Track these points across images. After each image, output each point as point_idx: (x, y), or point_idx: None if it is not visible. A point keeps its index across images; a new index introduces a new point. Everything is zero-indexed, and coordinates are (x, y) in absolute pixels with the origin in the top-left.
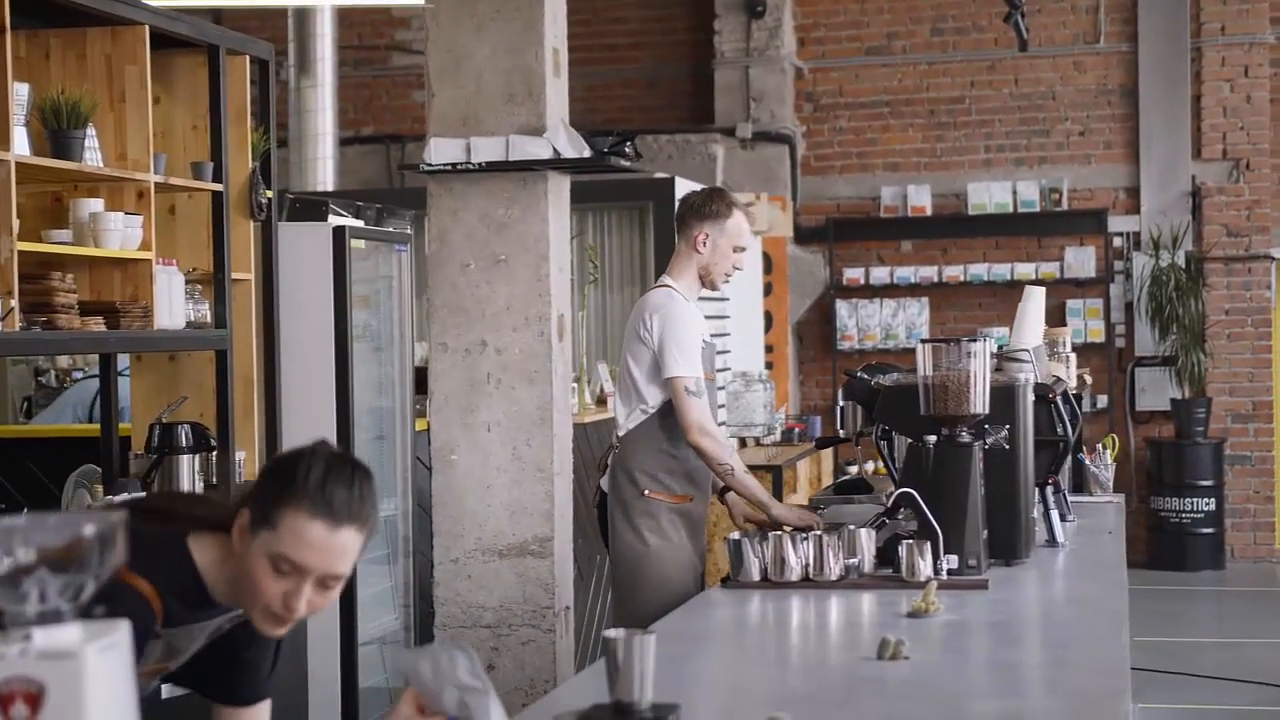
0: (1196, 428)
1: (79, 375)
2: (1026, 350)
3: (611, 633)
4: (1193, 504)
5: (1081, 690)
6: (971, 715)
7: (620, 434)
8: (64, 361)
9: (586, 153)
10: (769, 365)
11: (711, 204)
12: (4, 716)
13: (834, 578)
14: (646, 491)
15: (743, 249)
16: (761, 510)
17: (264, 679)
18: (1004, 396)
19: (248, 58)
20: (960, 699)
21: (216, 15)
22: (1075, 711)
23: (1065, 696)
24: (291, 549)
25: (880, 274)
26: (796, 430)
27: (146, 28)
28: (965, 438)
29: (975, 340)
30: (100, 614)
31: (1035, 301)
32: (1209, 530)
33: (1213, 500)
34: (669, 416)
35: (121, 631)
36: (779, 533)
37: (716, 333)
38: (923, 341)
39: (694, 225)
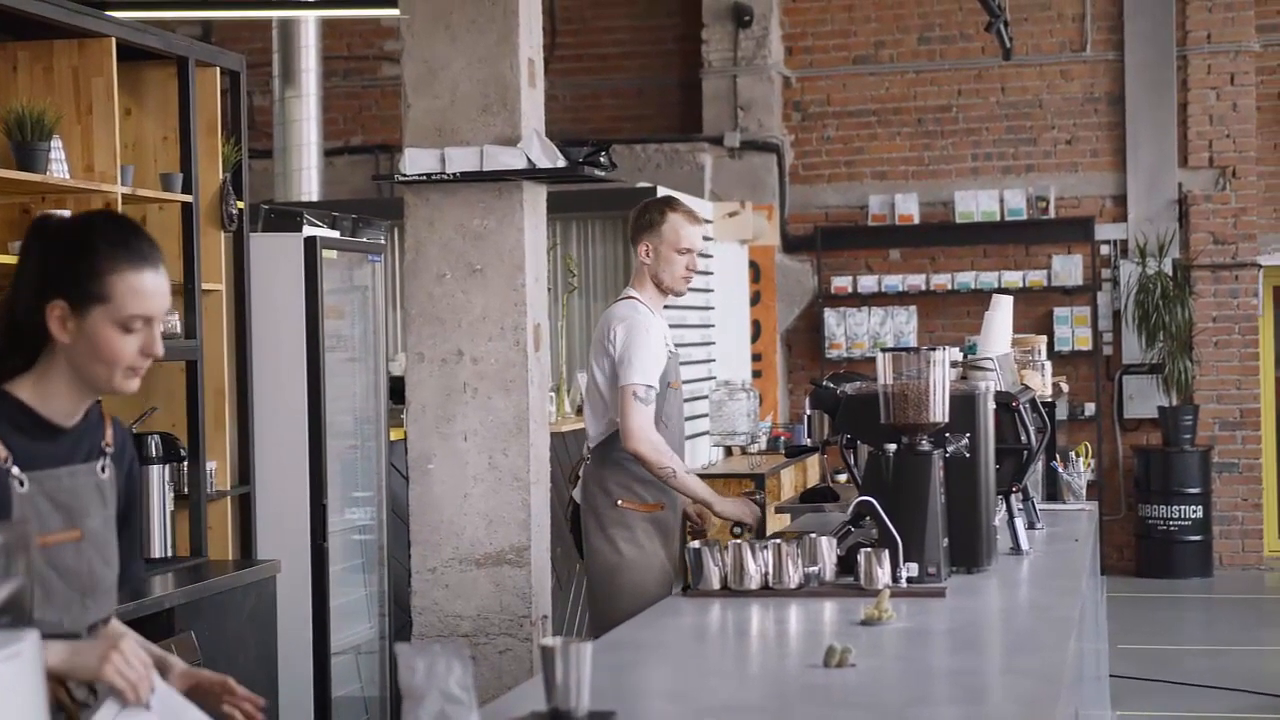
0: (1184, 435)
1: None
2: (990, 358)
3: (548, 641)
4: (1180, 511)
5: (1021, 697)
6: None
7: (591, 445)
8: None
9: (561, 163)
10: (757, 374)
11: (645, 214)
12: None
13: (793, 586)
14: (620, 502)
15: (688, 250)
16: (707, 509)
17: (132, 546)
18: (965, 405)
19: (218, 69)
20: (901, 706)
21: (205, 27)
22: (1012, 716)
23: (1004, 703)
24: (136, 306)
25: (868, 282)
26: (783, 439)
27: (113, 40)
28: (925, 446)
29: (935, 349)
30: None
31: (1002, 310)
32: (1196, 538)
33: (1200, 508)
34: None
35: (28, 642)
36: (738, 541)
37: (702, 341)
38: (883, 350)
39: (635, 239)
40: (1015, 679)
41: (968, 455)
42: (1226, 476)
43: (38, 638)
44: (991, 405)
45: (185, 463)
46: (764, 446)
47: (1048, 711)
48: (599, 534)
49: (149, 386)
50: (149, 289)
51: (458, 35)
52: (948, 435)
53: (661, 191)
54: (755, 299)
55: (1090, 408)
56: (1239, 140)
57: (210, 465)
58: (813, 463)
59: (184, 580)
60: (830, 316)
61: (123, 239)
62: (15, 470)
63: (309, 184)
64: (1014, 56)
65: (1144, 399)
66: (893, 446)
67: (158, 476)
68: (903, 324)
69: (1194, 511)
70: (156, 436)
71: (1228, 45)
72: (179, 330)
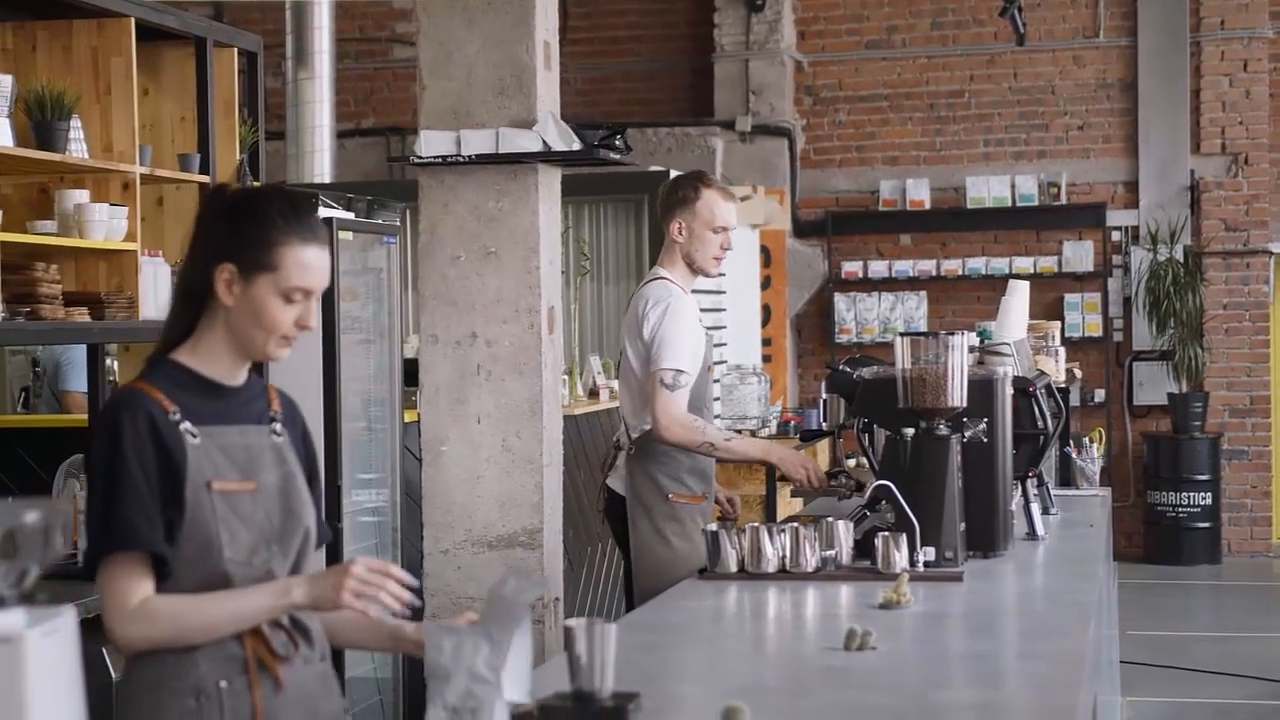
0: (1194, 422)
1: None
2: (1007, 343)
3: (572, 622)
4: (1189, 498)
5: (1042, 681)
6: (933, 705)
7: (634, 435)
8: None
9: (576, 146)
10: (767, 359)
11: (678, 190)
12: None
13: (810, 569)
14: (671, 495)
15: (723, 229)
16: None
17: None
18: (982, 390)
19: (235, 50)
20: (923, 689)
21: (217, 9)
22: (1031, 701)
23: (1025, 687)
24: (300, 279)
25: (879, 268)
26: (793, 423)
27: (132, 20)
28: (943, 430)
29: (953, 334)
30: (105, 428)
31: (1019, 295)
32: (1205, 524)
33: (1209, 494)
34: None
35: (66, 618)
36: (756, 524)
37: (713, 325)
38: (901, 334)
39: (666, 215)
40: (1036, 664)
41: (985, 440)
42: (1236, 464)
43: (73, 613)
44: (1009, 390)
45: None
46: (774, 431)
47: (1070, 697)
48: (649, 528)
49: None
50: (314, 263)
51: (474, 18)
52: (965, 420)
53: (675, 174)
54: (766, 283)
55: (1100, 394)
56: (1251, 127)
57: None
58: (822, 447)
59: None
60: (840, 301)
61: (295, 213)
62: (186, 424)
63: (321, 166)
64: (1027, 42)
65: (1154, 385)
66: (911, 431)
67: None
68: (913, 309)
69: (1203, 498)
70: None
71: (1241, 31)
72: None
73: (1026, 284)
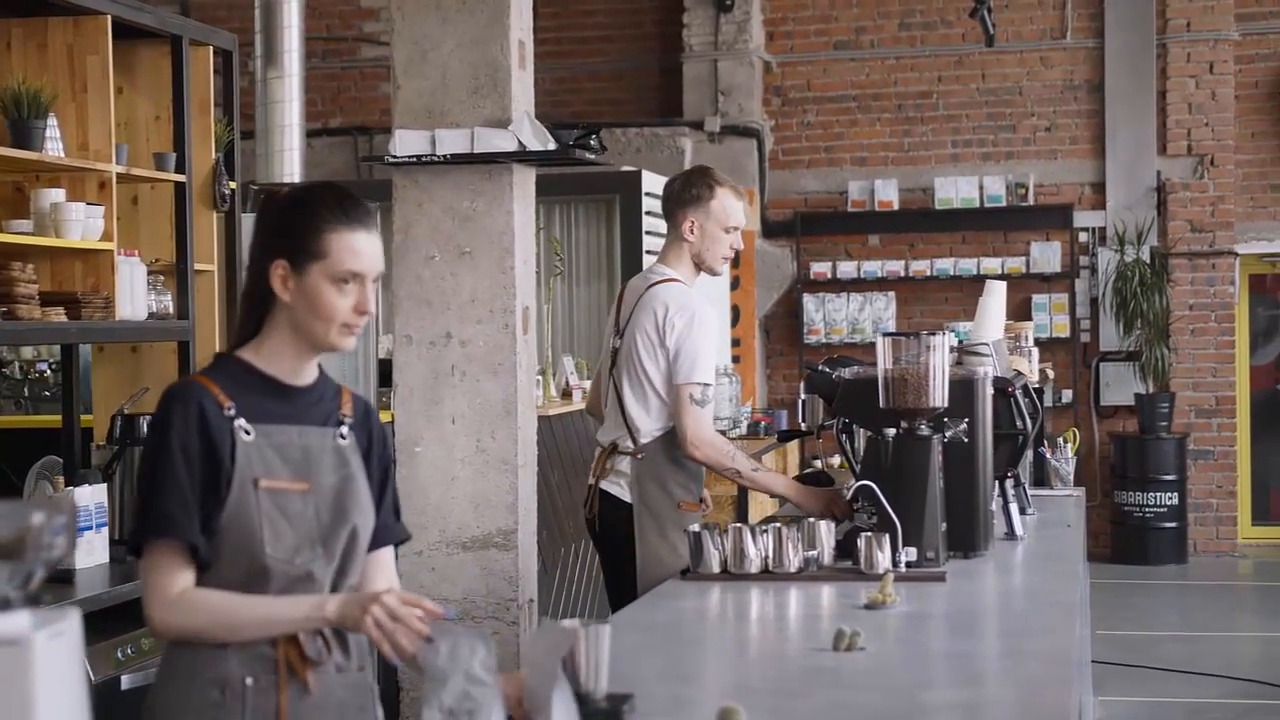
0: (1160, 422)
1: (43, 367)
2: (986, 344)
3: (568, 624)
4: (1156, 498)
5: (1031, 680)
6: (924, 705)
7: (643, 439)
8: (28, 352)
9: (551, 145)
10: (736, 359)
11: (692, 188)
12: None
13: (793, 570)
14: (681, 504)
15: (735, 228)
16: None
17: (388, 512)
18: (963, 390)
19: (211, 48)
20: (913, 689)
21: (184, 6)
22: (1025, 700)
23: (1015, 686)
24: (350, 262)
25: (847, 268)
26: (763, 424)
27: (109, 18)
28: (924, 431)
29: (935, 334)
30: (158, 417)
31: (996, 296)
32: (1172, 524)
33: (1175, 494)
34: None
35: (71, 620)
36: (739, 525)
37: None
38: (883, 335)
39: (678, 213)
40: (1025, 663)
41: (966, 440)
42: (1202, 464)
43: (79, 616)
44: (990, 390)
45: None
46: (744, 431)
47: (1062, 696)
48: (658, 537)
49: (140, 366)
50: (362, 247)
51: (448, 16)
52: (946, 420)
53: (650, 175)
54: (734, 284)
55: (1068, 394)
56: (1217, 129)
57: None
58: (792, 448)
59: None
60: (809, 302)
61: (339, 202)
62: (241, 421)
63: (291, 165)
64: (995, 43)
65: (1121, 386)
66: (892, 431)
67: None
68: (881, 310)
69: (1169, 498)
70: (149, 417)
71: (1207, 34)
72: (171, 311)
73: (1003, 285)
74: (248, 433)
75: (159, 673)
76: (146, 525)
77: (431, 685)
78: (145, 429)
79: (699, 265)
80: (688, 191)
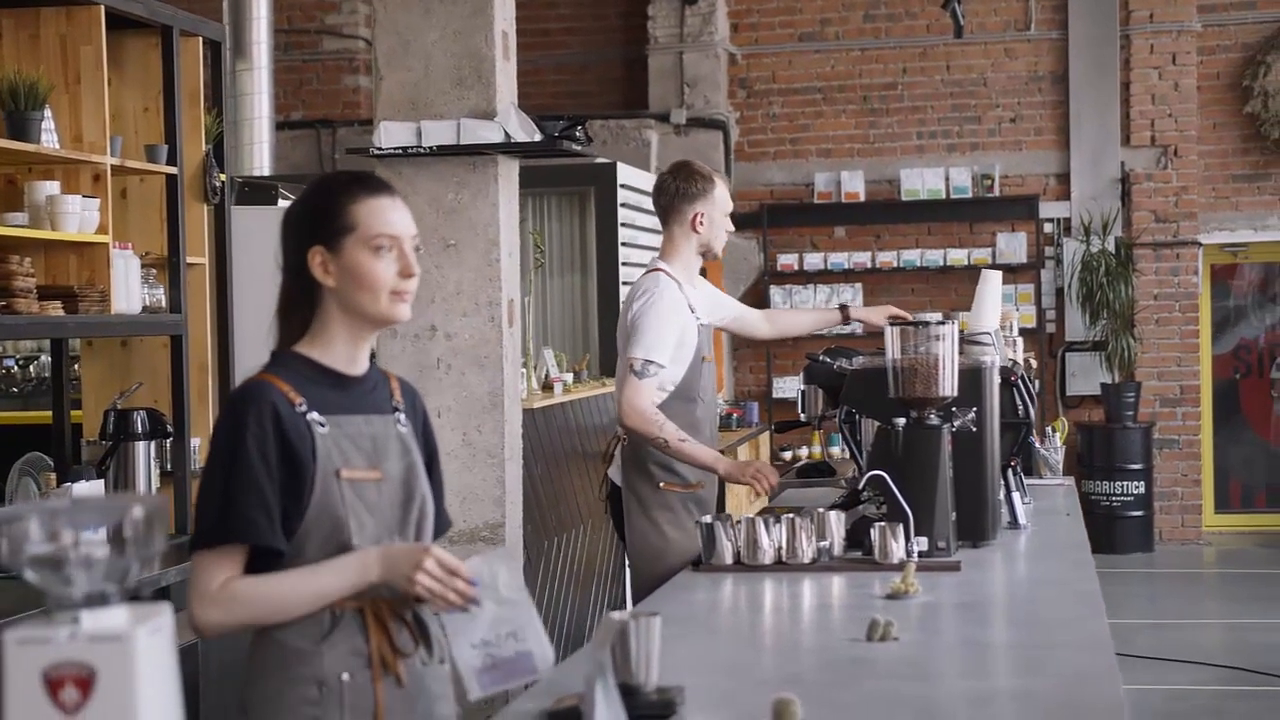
0: (1126, 412)
1: (10, 363)
2: (988, 333)
3: (617, 615)
4: (1122, 487)
5: (1075, 670)
6: (972, 694)
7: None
8: (28, 346)
9: (537, 137)
10: None
11: (693, 184)
12: (54, 701)
13: (806, 561)
14: (662, 484)
15: (730, 212)
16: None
17: (438, 498)
18: (971, 379)
19: (201, 39)
20: (956, 678)
21: None
22: (1073, 690)
23: (1059, 676)
24: (381, 225)
25: (814, 260)
26: (735, 416)
27: (102, 8)
28: (934, 420)
29: (944, 323)
30: (229, 419)
31: (992, 285)
32: (1138, 513)
33: (1142, 483)
34: (676, 404)
35: (165, 615)
36: (751, 516)
37: None
38: (891, 324)
39: (686, 209)
40: (1062, 653)
41: (974, 429)
42: (1167, 452)
43: (170, 610)
44: (997, 379)
45: (170, 439)
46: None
47: (1112, 686)
48: (642, 517)
49: (130, 361)
50: (388, 209)
51: (431, 7)
52: (954, 409)
53: (624, 168)
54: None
55: (1035, 385)
56: (1180, 120)
57: (194, 441)
58: (763, 439)
59: (172, 558)
60: (776, 294)
61: (355, 178)
62: (314, 415)
63: (261, 158)
64: (963, 35)
65: (1087, 376)
66: (902, 421)
67: (143, 453)
68: (848, 301)
69: (1136, 487)
70: (142, 412)
71: (1170, 25)
72: (164, 304)
73: (999, 274)
74: (322, 425)
75: (249, 666)
76: (225, 528)
77: (454, 625)
78: (211, 429)
79: (705, 253)
80: (692, 187)
